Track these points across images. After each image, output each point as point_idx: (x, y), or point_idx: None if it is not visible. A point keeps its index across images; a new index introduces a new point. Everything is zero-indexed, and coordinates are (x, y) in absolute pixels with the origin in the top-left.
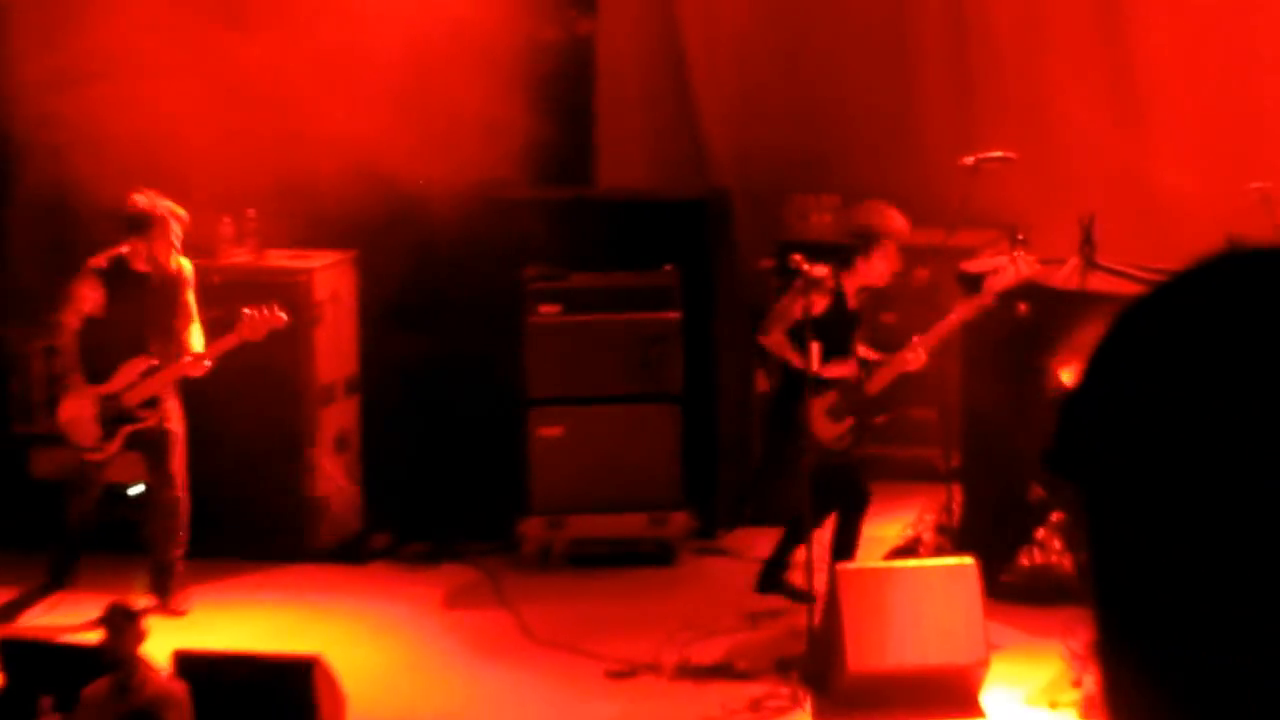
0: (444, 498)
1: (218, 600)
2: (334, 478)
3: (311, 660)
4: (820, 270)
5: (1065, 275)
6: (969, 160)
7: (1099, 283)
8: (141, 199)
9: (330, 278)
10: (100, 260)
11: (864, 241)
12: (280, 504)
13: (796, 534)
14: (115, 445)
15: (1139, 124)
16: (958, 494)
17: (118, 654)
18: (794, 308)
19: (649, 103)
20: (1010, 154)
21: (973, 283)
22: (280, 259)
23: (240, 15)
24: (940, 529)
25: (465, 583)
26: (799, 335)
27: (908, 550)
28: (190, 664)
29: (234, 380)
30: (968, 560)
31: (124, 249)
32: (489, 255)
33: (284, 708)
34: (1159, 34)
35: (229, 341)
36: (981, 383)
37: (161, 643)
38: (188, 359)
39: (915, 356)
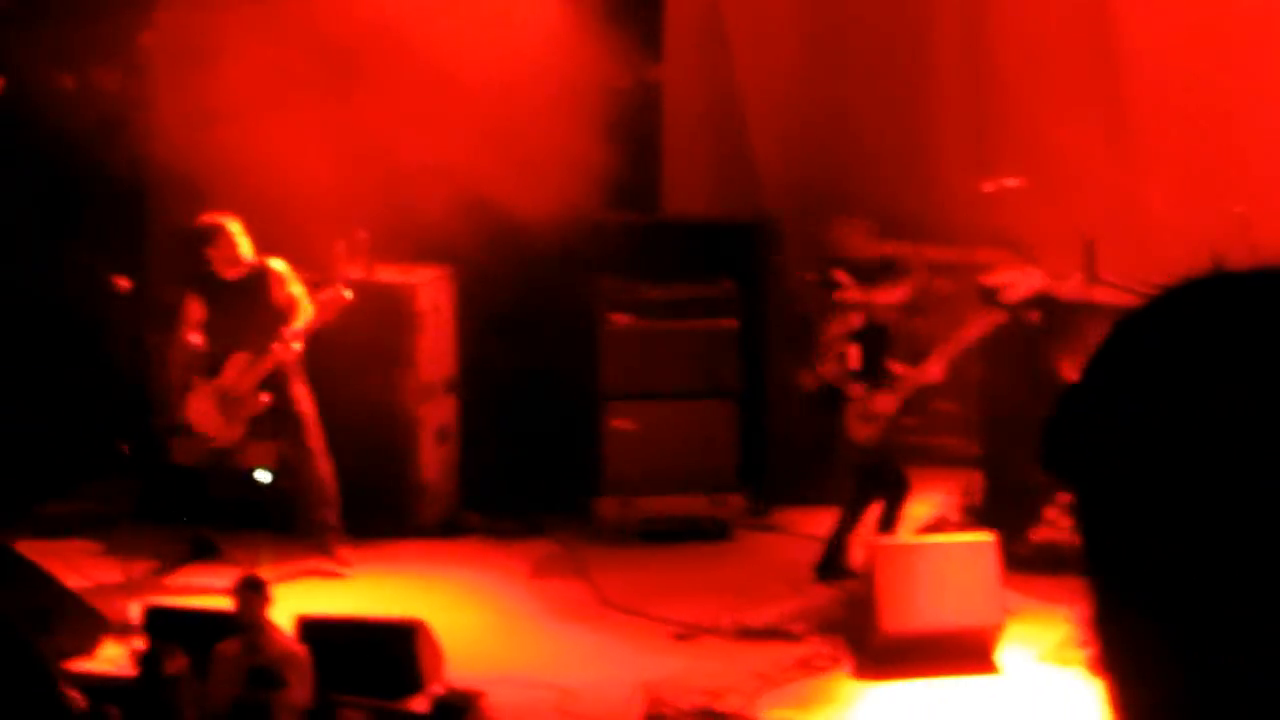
0: (530, 481)
1: (337, 567)
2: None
3: (415, 624)
4: (849, 293)
5: (1071, 288)
6: (986, 187)
7: (1101, 295)
8: (204, 216)
9: (431, 290)
10: (189, 283)
11: (886, 271)
12: (389, 487)
13: (844, 528)
14: (238, 431)
15: (1132, 153)
16: (979, 478)
17: (246, 618)
18: (833, 331)
19: (709, 138)
20: (1020, 181)
21: (989, 295)
22: (388, 274)
23: (353, 60)
24: (964, 509)
25: (548, 555)
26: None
27: (935, 527)
28: (310, 627)
29: (351, 381)
30: (987, 536)
31: (203, 267)
32: (570, 270)
33: (391, 665)
34: (1150, 72)
35: (310, 324)
36: (999, 381)
37: (284, 608)
38: (279, 345)
39: (935, 369)
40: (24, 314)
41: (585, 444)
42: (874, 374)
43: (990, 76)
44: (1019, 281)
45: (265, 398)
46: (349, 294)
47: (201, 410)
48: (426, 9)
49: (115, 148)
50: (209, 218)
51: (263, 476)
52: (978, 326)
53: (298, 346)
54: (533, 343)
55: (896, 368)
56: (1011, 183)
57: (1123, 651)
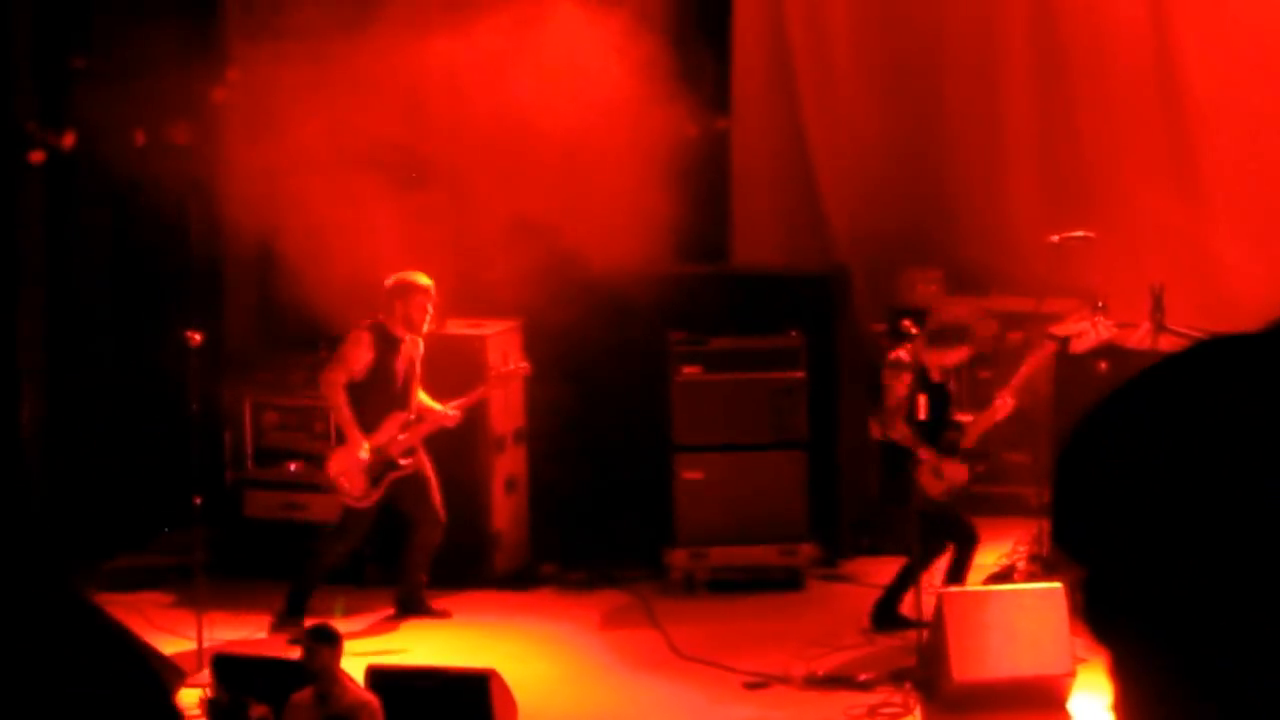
0: (601, 532)
1: (407, 620)
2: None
3: (487, 673)
4: (901, 354)
5: (1139, 337)
6: (1054, 238)
7: (1169, 344)
8: (399, 274)
9: (501, 342)
10: (367, 324)
11: (951, 335)
12: (462, 538)
13: (906, 578)
14: (380, 493)
15: (1200, 203)
16: (1047, 527)
17: (317, 668)
18: (896, 392)
19: (777, 189)
20: (1089, 232)
21: (1060, 345)
22: (458, 327)
23: (421, 113)
24: (1032, 557)
25: (620, 606)
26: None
27: (1004, 575)
28: (381, 676)
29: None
30: (1056, 584)
31: (382, 316)
32: (640, 322)
33: (463, 716)
34: (1218, 120)
35: (478, 394)
36: (1068, 430)
37: (356, 658)
38: (450, 412)
39: (1003, 404)
40: (98, 368)
41: (656, 495)
42: (935, 427)
43: (1061, 126)
44: (1087, 331)
45: (410, 466)
46: (527, 365)
47: (348, 468)
48: (498, 63)
49: (188, 203)
50: (412, 275)
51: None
52: (1036, 358)
53: (458, 416)
54: (603, 394)
55: (962, 417)
56: (1080, 234)
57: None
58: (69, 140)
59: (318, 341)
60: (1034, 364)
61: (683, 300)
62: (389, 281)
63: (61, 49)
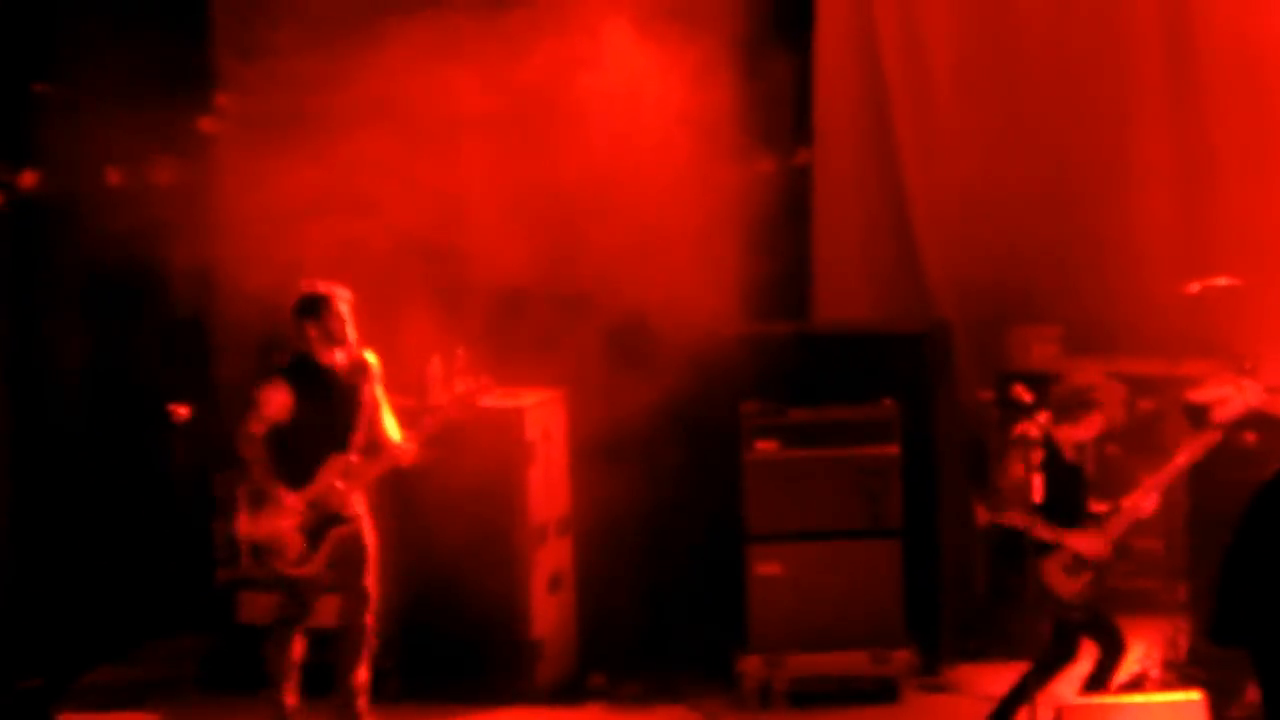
0: (661, 636)
1: None
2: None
3: None
4: (1032, 428)
5: None
6: (1193, 288)
7: None
8: (299, 291)
9: (541, 415)
10: (282, 359)
11: (1077, 404)
12: (498, 645)
13: (1024, 689)
14: (322, 556)
15: None
16: (1185, 627)
17: None
18: (1015, 470)
19: (867, 234)
20: (1235, 280)
21: (1198, 413)
22: (492, 397)
23: (451, 150)
24: (1167, 664)
25: None
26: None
27: (1135, 685)
28: None
29: (452, 521)
30: (1195, 695)
31: (303, 344)
32: (706, 390)
33: None
34: None
35: (438, 419)
36: (1210, 513)
37: None
38: (404, 447)
39: (1148, 502)
40: (70, 447)
41: (726, 593)
42: (1068, 516)
43: (1197, 162)
44: (1232, 397)
45: (356, 520)
46: (490, 382)
47: (279, 528)
48: (543, 88)
49: (172, 251)
50: (315, 285)
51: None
52: (1191, 450)
53: (414, 450)
54: (662, 476)
55: (1097, 507)
56: (1222, 282)
57: None
58: (28, 180)
59: None
60: (1191, 455)
61: (757, 365)
62: (291, 303)
63: (20, 72)
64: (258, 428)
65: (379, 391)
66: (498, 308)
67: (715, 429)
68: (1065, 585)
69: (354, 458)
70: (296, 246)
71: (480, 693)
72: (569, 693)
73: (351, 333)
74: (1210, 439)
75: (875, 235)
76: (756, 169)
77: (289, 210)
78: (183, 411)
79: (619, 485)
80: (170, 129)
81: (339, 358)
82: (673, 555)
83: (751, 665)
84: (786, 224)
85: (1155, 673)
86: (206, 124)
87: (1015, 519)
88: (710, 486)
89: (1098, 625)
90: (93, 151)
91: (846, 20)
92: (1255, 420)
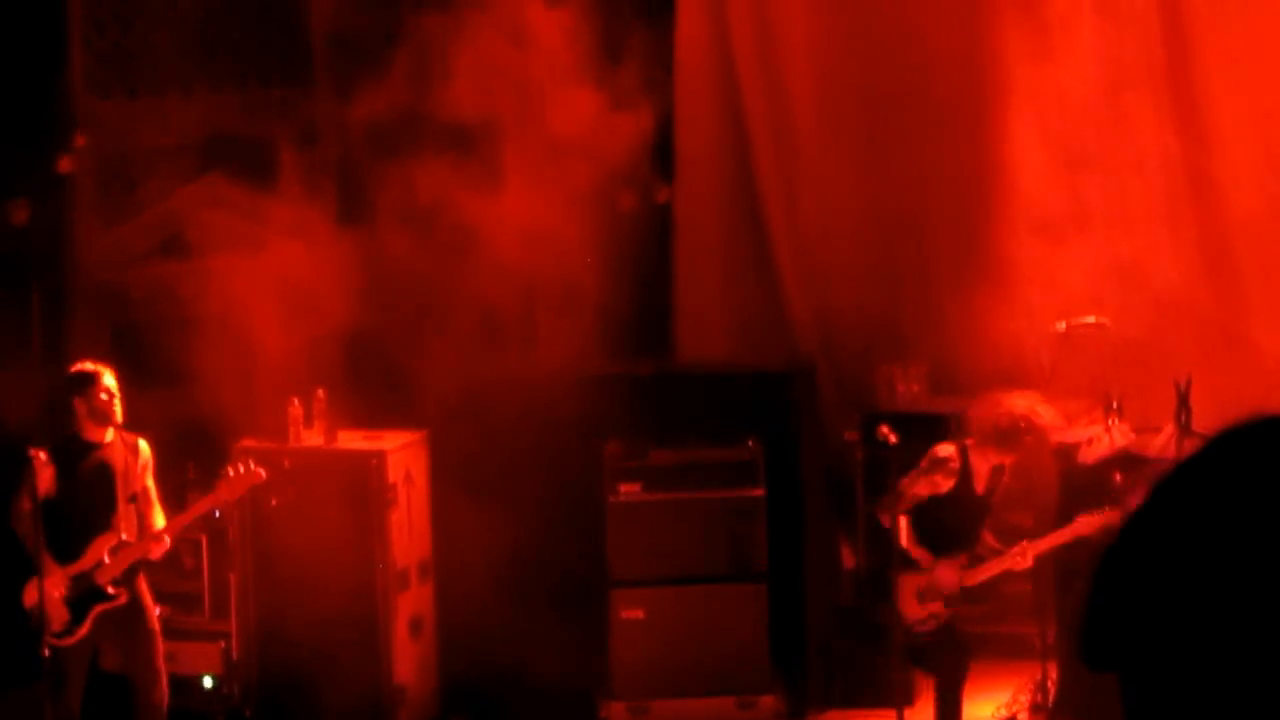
0: (523, 681)
1: None
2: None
3: None
4: (946, 450)
5: (1162, 444)
6: (1060, 325)
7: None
8: (76, 364)
9: (403, 458)
10: (52, 439)
11: (1010, 433)
12: (359, 691)
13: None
14: (85, 628)
15: (1234, 283)
16: (1053, 671)
17: None
18: (917, 487)
19: (729, 271)
20: (1103, 318)
21: (1066, 454)
22: (352, 440)
23: (323, 195)
24: (1035, 707)
25: None
26: (918, 515)
27: None
28: None
29: (309, 567)
30: None
31: (71, 421)
32: (567, 433)
33: None
34: (1250, 190)
35: (202, 506)
36: (1078, 556)
37: None
38: (153, 537)
39: (1023, 559)
40: None
41: (589, 638)
42: (948, 544)
43: (1069, 198)
44: (1100, 437)
45: (123, 597)
46: (262, 472)
47: (45, 598)
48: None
49: (30, 298)
50: (81, 364)
51: (209, 683)
52: (1081, 525)
53: (167, 542)
54: (525, 519)
55: (993, 543)
56: (1090, 319)
57: None
58: None
59: (186, 463)
60: (1078, 531)
61: (619, 405)
62: (65, 378)
63: None
64: (24, 503)
65: (149, 480)
66: (357, 349)
67: (578, 471)
68: (912, 610)
69: (125, 535)
70: (157, 286)
71: None
72: None
73: (119, 412)
74: (1105, 519)
75: (738, 272)
76: (616, 207)
77: (152, 251)
78: (42, 455)
79: (481, 528)
80: (26, 168)
81: (108, 436)
82: (536, 599)
83: (615, 711)
84: (648, 262)
85: (1023, 717)
86: (65, 163)
87: (895, 521)
88: (573, 530)
89: (940, 652)
90: None
91: (705, 54)
92: (1122, 460)
